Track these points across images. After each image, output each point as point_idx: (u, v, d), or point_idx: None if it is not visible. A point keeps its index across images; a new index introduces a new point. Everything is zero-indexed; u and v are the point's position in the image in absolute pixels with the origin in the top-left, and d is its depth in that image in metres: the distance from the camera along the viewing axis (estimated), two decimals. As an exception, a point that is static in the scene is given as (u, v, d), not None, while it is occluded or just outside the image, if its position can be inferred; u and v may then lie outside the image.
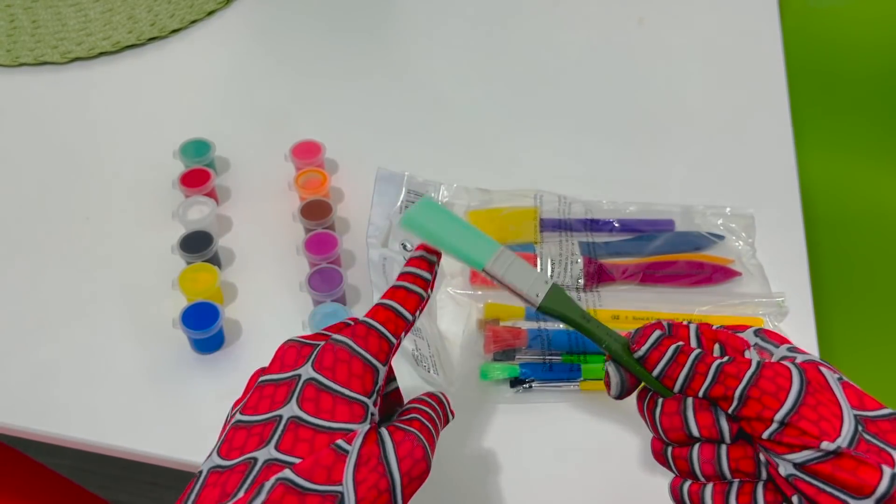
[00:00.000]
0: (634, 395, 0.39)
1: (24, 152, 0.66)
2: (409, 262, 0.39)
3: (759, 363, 0.34)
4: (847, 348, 0.89)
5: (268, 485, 0.30)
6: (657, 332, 0.37)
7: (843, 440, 0.31)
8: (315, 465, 0.31)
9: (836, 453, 0.31)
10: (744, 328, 0.38)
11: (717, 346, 0.37)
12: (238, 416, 0.33)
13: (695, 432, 0.35)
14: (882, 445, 0.31)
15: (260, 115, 0.70)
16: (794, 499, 0.32)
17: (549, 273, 0.55)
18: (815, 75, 1.01)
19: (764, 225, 0.59)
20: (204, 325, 0.50)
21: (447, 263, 0.57)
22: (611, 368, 0.39)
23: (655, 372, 0.36)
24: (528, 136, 0.68)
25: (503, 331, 0.51)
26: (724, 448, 0.34)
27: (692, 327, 0.38)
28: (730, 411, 0.34)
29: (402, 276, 0.38)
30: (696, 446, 0.35)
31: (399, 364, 0.52)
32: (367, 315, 0.36)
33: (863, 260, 0.99)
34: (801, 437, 0.31)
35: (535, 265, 0.55)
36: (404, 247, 0.55)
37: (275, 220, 0.60)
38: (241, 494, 0.30)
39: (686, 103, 0.70)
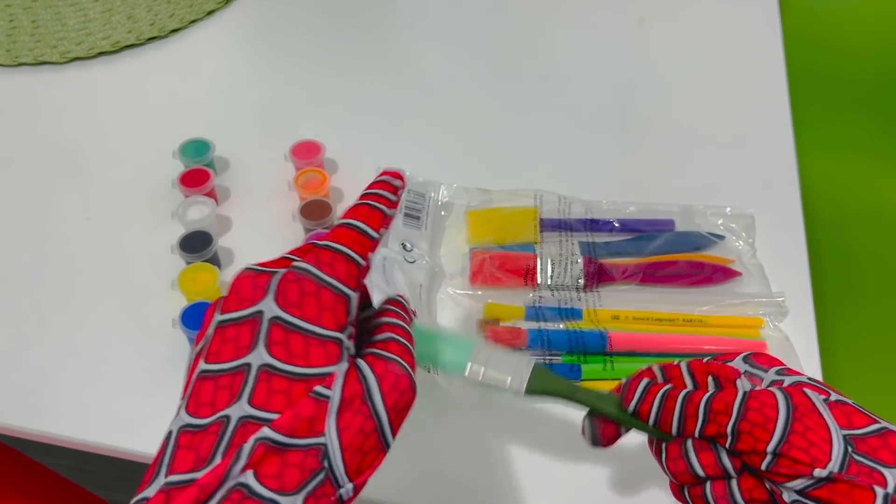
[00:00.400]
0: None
1: (24, 152, 0.66)
2: (372, 184, 0.36)
3: (744, 394, 0.34)
4: (847, 348, 0.89)
5: (247, 447, 0.27)
6: (643, 382, 0.37)
7: (833, 464, 0.31)
8: (295, 418, 0.28)
9: (829, 479, 0.31)
10: (732, 356, 0.38)
11: (710, 380, 0.37)
12: (202, 366, 0.30)
13: (700, 472, 0.35)
14: (872, 465, 0.31)
15: (260, 115, 0.70)
16: None
17: (549, 273, 0.55)
18: (815, 75, 1.01)
19: (764, 225, 0.59)
20: (203, 325, 0.50)
21: (446, 263, 0.57)
22: (586, 422, 0.39)
23: (650, 422, 0.36)
24: (528, 136, 0.68)
25: (503, 331, 0.51)
26: (734, 482, 0.34)
27: (683, 365, 0.38)
28: (727, 447, 0.34)
29: (364, 196, 0.35)
30: (708, 484, 0.35)
31: (399, 364, 0.52)
32: (328, 238, 0.33)
33: (863, 260, 0.99)
34: (793, 466, 0.32)
35: (535, 265, 0.55)
36: (404, 246, 0.55)
37: (275, 220, 0.60)
38: (217, 459, 0.27)
39: (686, 103, 0.70)
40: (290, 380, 0.29)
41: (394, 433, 0.31)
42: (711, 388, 0.37)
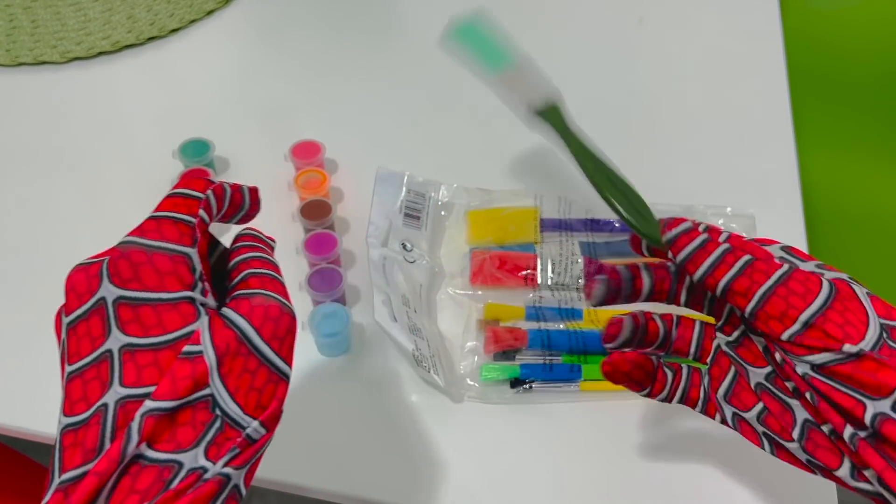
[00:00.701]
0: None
1: (24, 152, 0.66)
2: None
3: (790, 266, 0.33)
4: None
5: (134, 425, 0.27)
6: (689, 223, 0.36)
7: (866, 344, 0.31)
8: (173, 381, 0.28)
9: (858, 355, 0.31)
10: (770, 242, 0.37)
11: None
12: (67, 369, 0.29)
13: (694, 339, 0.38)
14: None
15: (260, 114, 0.70)
16: (808, 395, 0.32)
17: (549, 273, 0.55)
18: (816, 75, 1.01)
19: (765, 225, 0.59)
20: (203, 326, 0.50)
21: (446, 263, 0.57)
22: (599, 282, 0.37)
23: (681, 256, 0.35)
24: (528, 136, 0.68)
25: (503, 331, 0.51)
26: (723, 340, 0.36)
27: (724, 233, 0.36)
28: (748, 308, 0.33)
29: (175, 186, 0.34)
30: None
31: (399, 364, 0.52)
32: (153, 212, 0.32)
33: (864, 260, 0.99)
34: (824, 339, 0.31)
35: (536, 265, 0.55)
36: (404, 246, 0.55)
37: (274, 220, 0.60)
38: (107, 445, 0.27)
39: (686, 103, 0.70)
40: (155, 350, 0.28)
41: (286, 360, 0.31)
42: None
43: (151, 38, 0.75)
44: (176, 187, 0.33)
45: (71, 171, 0.64)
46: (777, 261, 0.34)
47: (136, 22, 0.76)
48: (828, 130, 1.04)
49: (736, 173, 0.64)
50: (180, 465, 0.27)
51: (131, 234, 0.31)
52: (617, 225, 0.58)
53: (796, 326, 0.32)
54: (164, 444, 0.27)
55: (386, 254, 0.54)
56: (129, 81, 0.72)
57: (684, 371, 0.38)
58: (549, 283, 0.54)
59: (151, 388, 0.28)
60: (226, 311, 0.30)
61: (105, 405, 0.28)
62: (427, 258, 0.55)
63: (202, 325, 0.29)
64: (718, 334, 0.38)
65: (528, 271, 0.55)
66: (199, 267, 0.31)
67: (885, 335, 0.32)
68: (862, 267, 0.98)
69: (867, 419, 0.30)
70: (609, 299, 0.37)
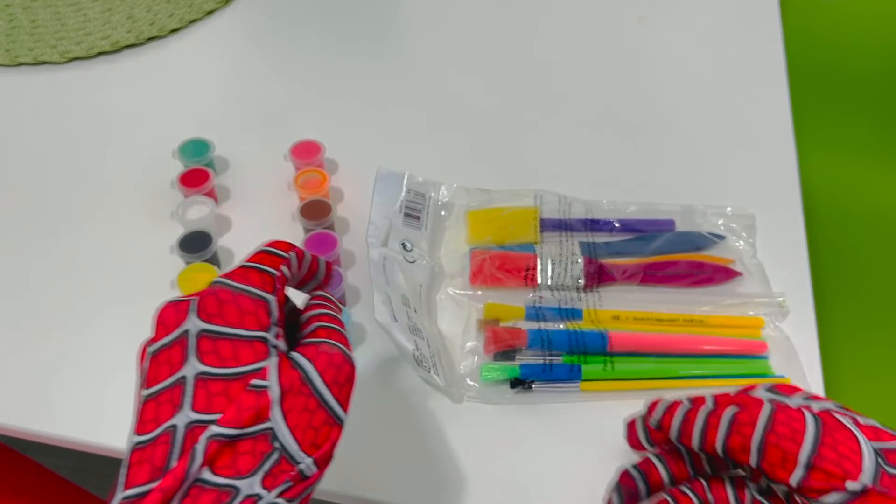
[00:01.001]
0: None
1: (24, 152, 0.66)
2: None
3: (771, 408, 0.34)
4: (848, 348, 0.89)
5: (200, 447, 0.29)
6: (665, 401, 0.38)
7: (866, 476, 0.31)
8: (239, 411, 0.30)
9: (863, 492, 0.31)
10: (753, 387, 0.38)
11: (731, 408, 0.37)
12: (142, 392, 0.31)
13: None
14: None
15: (259, 114, 0.70)
16: None
17: (549, 273, 0.55)
18: (816, 74, 1.01)
19: (765, 225, 0.59)
20: (203, 326, 0.50)
21: (447, 263, 0.57)
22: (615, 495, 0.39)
23: (672, 433, 0.37)
24: (528, 136, 0.68)
25: (503, 331, 0.51)
26: None
27: (708, 397, 0.38)
28: (752, 463, 0.33)
29: (265, 244, 0.37)
30: None
31: (399, 364, 0.52)
32: (244, 261, 0.36)
33: (864, 260, 0.99)
34: (827, 479, 0.31)
35: (535, 265, 0.55)
36: (404, 246, 0.55)
37: (274, 220, 0.60)
38: (173, 464, 0.29)
39: (686, 103, 0.70)
40: (226, 380, 0.31)
41: (342, 406, 0.33)
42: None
43: (151, 38, 0.75)
44: (266, 245, 0.37)
45: (70, 171, 0.64)
46: (763, 400, 0.35)
47: (136, 22, 0.76)
48: (828, 130, 1.04)
49: (736, 173, 0.64)
50: (237, 490, 0.29)
51: (222, 276, 0.34)
52: (617, 225, 0.59)
53: (799, 471, 0.32)
54: (224, 469, 0.29)
55: (386, 253, 0.54)
56: (129, 81, 0.72)
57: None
58: (549, 283, 0.54)
59: (218, 416, 0.30)
60: (294, 354, 0.33)
61: (174, 426, 0.30)
62: (427, 258, 0.55)
63: (271, 363, 0.32)
64: (749, 484, 0.37)
65: (528, 271, 0.55)
66: (275, 313, 0.33)
67: (881, 461, 0.32)
68: (862, 267, 0.98)
69: None
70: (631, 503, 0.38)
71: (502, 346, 0.51)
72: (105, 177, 0.64)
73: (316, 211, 0.57)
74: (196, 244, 0.55)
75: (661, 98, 0.71)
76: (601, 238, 0.58)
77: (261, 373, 0.31)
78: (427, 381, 0.50)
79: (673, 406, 0.37)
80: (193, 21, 0.77)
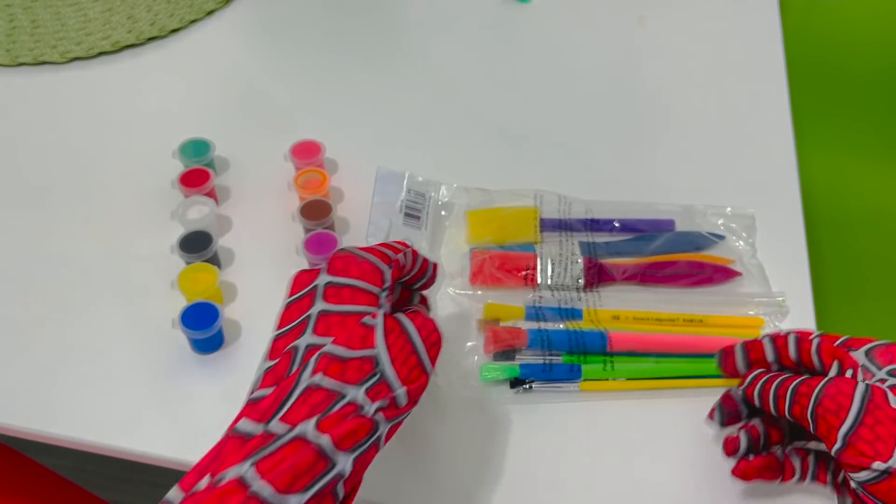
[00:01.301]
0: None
1: (24, 152, 0.66)
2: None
3: (827, 380, 0.37)
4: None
5: (313, 359, 0.35)
6: (758, 373, 0.42)
7: (894, 461, 0.33)
8: (350, 336, 0.36)
9: (888, 473, 0.33)
10: (865, 342, 0.40)
11: (835, 364, 0.39)
12: (274, 334, 0.38)
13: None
14: None
15: (260, 114, 0.70)
16: None
17: (549, 273, 0.55)
18: (816, 74, 1.01)
19: (765, 225, 0.59)
20: (203, 326, 0.50)
21: (447, 263, 0.57)
22: (717, 407, 0.45)
23: (756, 402, 0.42)
24: (527, 135, 0.68)
25: (503, 331, 0.51)
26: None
27: (814, 343, 0.40)
28: (812, 430, 0.37)
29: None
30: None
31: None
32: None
33: (864, 259, 0.99)
34: (858, 457, 0.34)
35: (535, 265, 0.55)
36: None
37: (274, 220, 0.60)
38: (292, 372, 0.35)
39: (686, 103, 0.70)
40: (343, 315, 0.37)
41: (431, 361, 0.38)
42: (834, 373, 0.39)
43: (151, 38, 0.75)
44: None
45: (71, 171, 0.64)
46: (850, 371, 0.38)
47: (136, 22, 0.76)
48: (828, 130, 1.04)
49: (736, 173, 0.64)
50: (344, 395, 0.35)
51: (353, 246, 0.41)
52: (616, 225, 0.59)
53: (838, 444, 0.35)
54: (335, 376, 0.35)
55: None
56: (130, 81, 0.72)
57: (811, 460, 0.42)
58: (549, 283, 0.54)
59: (333, 339, 0.36)
60: (397, 314, 0.39)
61: (296, 346, 0.37)
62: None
63: (380, 310, 0.38)
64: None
65: (528, 271, 0.55)
66: (389, 281, 0.40)
67: None
68: (862, 267, 0.98)
69: None
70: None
71: (502, 345, 0.51)
72: (105, 177, 0.64)
73: (316, 211, 0.57)
74: (196, 244, 0.55)
75: (661, 98, 0.71)
76: (601, 238, 0.58)
77: (371, 315, 0.37)
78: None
79: (757, 378, 0.41)
80: (194, 21, 0.77)
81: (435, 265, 0.46)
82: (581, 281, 0.54)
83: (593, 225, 0.58)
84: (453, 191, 0.60)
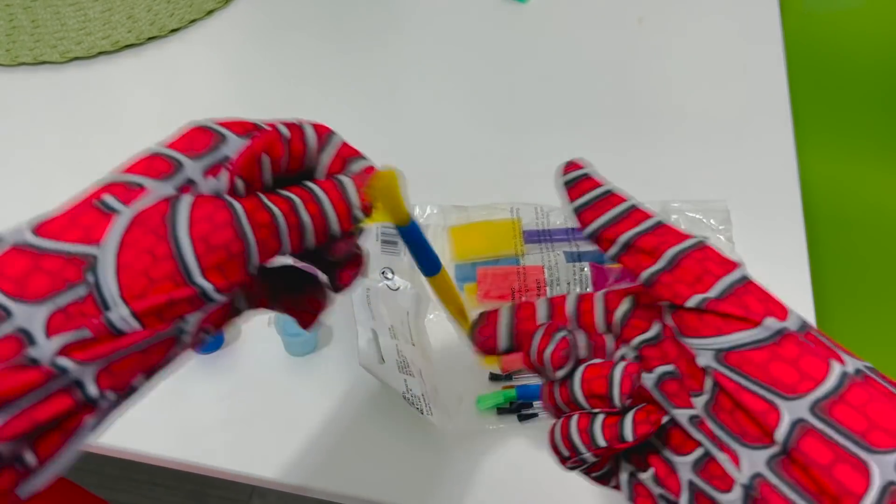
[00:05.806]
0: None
1: (24, 152, 0.66)
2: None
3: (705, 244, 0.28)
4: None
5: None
6: (587, 170, 0.33)
7: (791, 323, 0.25)
8: (72, 221, 0.25)
9: (781, 334, 0.25)
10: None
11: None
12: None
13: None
14: (829, 344, 0.26)
15: (259, 114, 0.69)
16: (702, 403, 0.27)
17: (558, 284, 0.55)
18: (816, 74, 1.01)
19: (765, 225, 0.59)
20: (203, 326, 0.50)
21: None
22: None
23: (578, 202, 0.32)
24: (525, 136, 0.68)
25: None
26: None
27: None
28: (651, 268, 0.27)
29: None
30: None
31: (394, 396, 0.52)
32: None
33: (864, 259, 0.99)
34: (742, 311, 0.25)
35: (544, 278, 0.55)
36: (385, 275, 0.53)
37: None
38: None
39: (686, 103, 0.70)
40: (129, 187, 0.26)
41: (203, 271, 0.25)
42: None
43: (151, 38, 0.75)
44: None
45: (70, 171, 0.64)
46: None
47: (136, 22, 0.76)
48: (828, 130, 1.04)
49: (736, 173, 0.64)
50: (9, 314, 0.23)
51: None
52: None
53: (712, 293, 0.26)
54: (6, 282, 0.23)
55: (368, 284, 0.51)
56: (129, 81, 0.72)
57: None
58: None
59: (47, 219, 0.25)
60: (187, 195, 0.26)
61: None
62: (410, 283, 0.54)
63: (154, 187, 0.26)
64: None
65: (539, 288, 0.54)
66: (234, 151, 0.30)
67: (807, 325, 0.26)
68: (862, 267, 0.98)
69: (779, 432, 0.24)
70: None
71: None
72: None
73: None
74: (196, 244, 0.54)
75: (661, 98, 0.71)
76: (585, 246, 0.57)
77: (134, 192, 0.26)
78: (422, 421, 0.49)
79: (592, 182, 0.32)
80: (194, 21, 0.77)
81: (322, 127, 0.33)
82: (589, 290, 0.54)
83: (575, 233, 0.58)
84: (428, 211, 0.59)
